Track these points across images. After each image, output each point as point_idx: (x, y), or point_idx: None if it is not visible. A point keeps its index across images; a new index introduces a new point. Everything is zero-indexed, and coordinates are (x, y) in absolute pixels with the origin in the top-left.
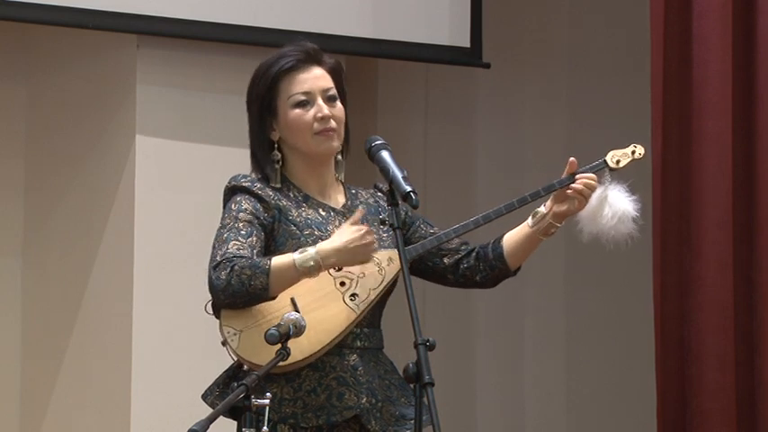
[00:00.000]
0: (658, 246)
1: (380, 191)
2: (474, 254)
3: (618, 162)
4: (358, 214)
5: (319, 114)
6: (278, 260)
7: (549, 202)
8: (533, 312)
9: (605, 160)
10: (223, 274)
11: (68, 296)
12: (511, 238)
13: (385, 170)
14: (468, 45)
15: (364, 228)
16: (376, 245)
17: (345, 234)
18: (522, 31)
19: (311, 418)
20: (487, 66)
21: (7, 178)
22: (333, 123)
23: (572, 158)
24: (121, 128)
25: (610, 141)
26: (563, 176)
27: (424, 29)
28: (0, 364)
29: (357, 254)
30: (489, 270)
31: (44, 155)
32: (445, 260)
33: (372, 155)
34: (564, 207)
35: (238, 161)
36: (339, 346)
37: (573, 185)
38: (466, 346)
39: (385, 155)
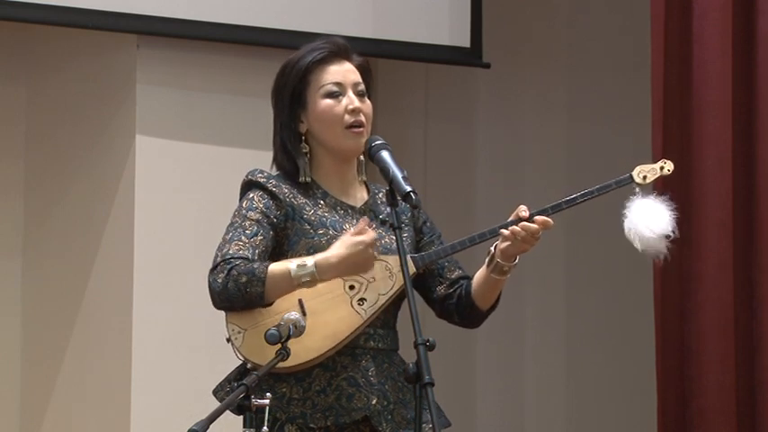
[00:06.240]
0: None
1: None
2: (457, 293)
3: (645, 178)
4: (362, 224)
5: (350, 106)
6: (275, 269)
7: (498, 242)
8: (533, 312)
9: (631, 175)
10: (220, 278)
11: (68, 296)
12: (475, 279)
13: (385, 170)
14: (468, 45)
15: (366, 239)
16: (377, 254)
17: (345, 248)
18: (522, 31)
19: (320, 418)
20: (487, 66)
21: (7, 178)
22: (362, 117)
23: (521, 206)
24: (121, 128)
25: (610, 141)
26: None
27: (424, 29)
28: (0, 364)
29: (357, 268)
30: (465, 310)
31: (44, 155)
32: (439, 290)
33: (372, 155)
34: (505, 245)
35: (238, 161)
36: (352, 347)
37: (503, 231)
38: (466, 346)
39: (385, 155)
